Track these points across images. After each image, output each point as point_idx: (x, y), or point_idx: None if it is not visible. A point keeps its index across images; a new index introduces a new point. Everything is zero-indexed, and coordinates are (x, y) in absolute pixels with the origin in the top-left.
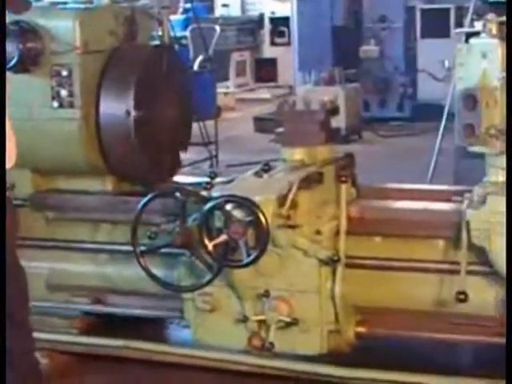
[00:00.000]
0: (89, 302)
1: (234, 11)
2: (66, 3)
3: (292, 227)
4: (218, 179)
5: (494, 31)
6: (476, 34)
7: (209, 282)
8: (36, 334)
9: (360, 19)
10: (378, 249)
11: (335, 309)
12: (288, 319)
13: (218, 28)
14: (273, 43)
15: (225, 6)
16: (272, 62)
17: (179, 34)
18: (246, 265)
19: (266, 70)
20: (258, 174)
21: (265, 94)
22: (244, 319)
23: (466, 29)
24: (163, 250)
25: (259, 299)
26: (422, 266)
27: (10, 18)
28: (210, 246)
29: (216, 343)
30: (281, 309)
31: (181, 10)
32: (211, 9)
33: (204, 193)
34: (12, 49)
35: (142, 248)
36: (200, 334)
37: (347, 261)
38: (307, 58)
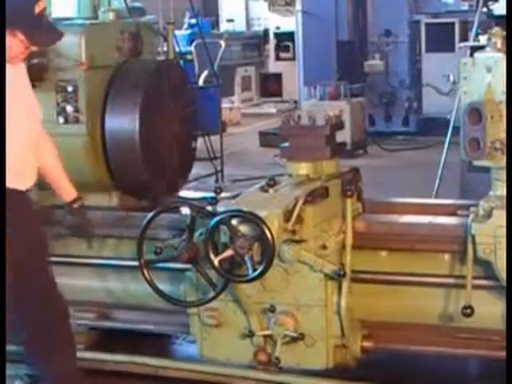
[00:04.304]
0: (94, 317)
1: (239, 26)
2: (71, 19)
3: (298, 242)
4: (224, 194)
5: (499, 45)
6: (481, 47)
7: (214, 297)
8: None
9: (365, 34)
10: (384, 263)
11: (341, 323)
12: (294, 334)
13: (223, 43)
14: (278, 58)
15: (230, 21)
16: (277, 77)
17: (184, 49)
18: (252, 279)
19: (271, 85)
20: (263, 189)
21: (270, 108)
22: (250, 334)
23: (471, 43)
24: (169, 265)
25: (265, 314)
26: (428, 280)
27: None
28: (215, 261)
29: (222, 358)
30: (287, 323)
31: (186, 25)
32: (216, 24)
33: (209, 208)
34: None
35: (147, 258)
36: (206, 349)
37: (353, 275)
38: (312, 73)
